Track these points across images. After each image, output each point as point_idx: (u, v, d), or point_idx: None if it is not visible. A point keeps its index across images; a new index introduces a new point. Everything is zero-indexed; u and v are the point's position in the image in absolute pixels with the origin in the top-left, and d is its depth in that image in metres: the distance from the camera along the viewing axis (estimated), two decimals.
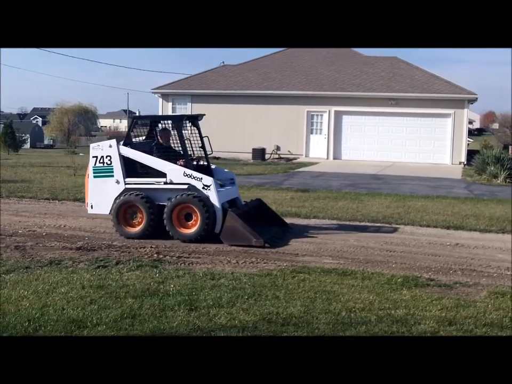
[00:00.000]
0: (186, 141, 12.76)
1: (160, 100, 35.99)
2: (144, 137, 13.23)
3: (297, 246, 11.94)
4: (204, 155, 13.38)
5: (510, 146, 45.31)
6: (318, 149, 33.60)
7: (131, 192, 12.32)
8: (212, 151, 13.45)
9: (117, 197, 12.45)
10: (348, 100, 33.02)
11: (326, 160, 32.66)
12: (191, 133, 13.37)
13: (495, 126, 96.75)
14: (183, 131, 12.87)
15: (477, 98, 32.93)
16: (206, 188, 12.09)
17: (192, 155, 13.11)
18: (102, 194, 12.61)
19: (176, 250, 11.30)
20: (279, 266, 10.29)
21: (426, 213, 15.98)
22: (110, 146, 12.54)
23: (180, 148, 12.68)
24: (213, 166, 13.42)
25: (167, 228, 12.11)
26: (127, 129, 13.12)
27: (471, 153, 32.41)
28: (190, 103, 35.35)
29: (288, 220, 14.57)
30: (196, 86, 35.68)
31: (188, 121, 13.34)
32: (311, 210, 15.81)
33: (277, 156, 33.57)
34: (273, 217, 13.53)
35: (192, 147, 13.23)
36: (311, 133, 33.88)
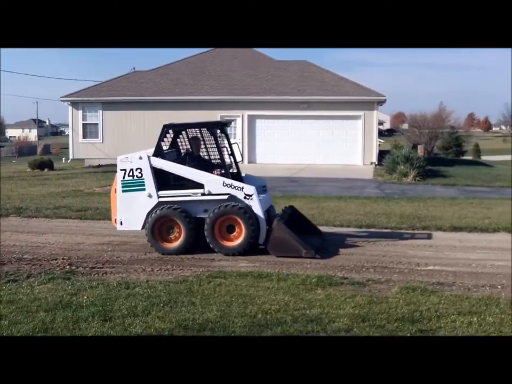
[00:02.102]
0: (223, 149, 12.13)
1: (70, 108, 35.21)
2: (167, 147, 12.32)
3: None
4: (234, 163, 12.68)
5: (418, 146, 46.65)
6: None
7: (166, 206, 11.65)
8: (242, 159, 12.66)
9: (150, 211, 11.79)
10: (261, 104, 33.24)
11: (241, 164, 32.67)
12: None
13: (405, 126, 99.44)
14: (218, 139, 12.16)
15: (385, 99, 33.77)
16: (248, 197, 11.54)
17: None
18: (133, 210, 11.85)
19: (89, 261, 11.07)
20: (195, 272, 10.25)
21: (339, 213, 16.26)
22: (140, 158, 11.80)
23: (217, 157, 12.10)
24: (243, 174, 12.77)
25: (208, 241, 11.54)
26: (158, 139, 12.08)
27: (382, 154, 33.22)
28: (101, 111, 34.75)
29: None
30: (107, 93, 35.12)
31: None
32: None
33: None
34: (308, 225, 13.03)
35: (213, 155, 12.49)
36: None
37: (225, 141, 12.52)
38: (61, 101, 35.67)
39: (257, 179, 12.93)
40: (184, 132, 12.44)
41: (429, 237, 13.49)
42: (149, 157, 11.77)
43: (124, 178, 11.86)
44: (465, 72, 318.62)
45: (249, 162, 33.03)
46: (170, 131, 12.29)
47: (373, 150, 33.21)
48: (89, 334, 7.16)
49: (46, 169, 33.67)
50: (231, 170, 12.32)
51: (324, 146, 33.19)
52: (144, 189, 11.75)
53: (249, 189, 11.57)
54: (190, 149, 12.39)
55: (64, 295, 8.82)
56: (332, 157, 33.09)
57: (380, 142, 44.52)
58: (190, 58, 38.53)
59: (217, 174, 11.78)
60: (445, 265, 10.86)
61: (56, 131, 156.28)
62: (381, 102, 33.95)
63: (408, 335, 7.20)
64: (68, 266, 10.67)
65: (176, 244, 11.66)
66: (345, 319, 7.70)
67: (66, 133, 71.53)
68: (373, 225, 14.53)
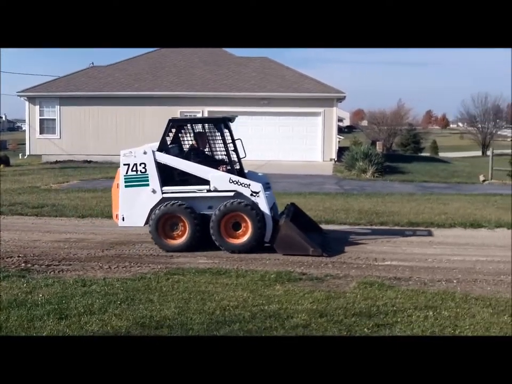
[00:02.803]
0: (229, 145, 11.86)
1: (27, 103, 34.65)
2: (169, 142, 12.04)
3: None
4: (236, 159, 12.32)
5: (377, 142, 47.17)
6: None
7: (170, 202, 11.43)
8: (245, 155, 12.33)
9: (154, 207, 11.55)
10: (221, 100, 33.14)
11: None
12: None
13: (364, 123, 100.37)
14: (225, 134, 11.91)
15: (345, 96, 33.99)
16: (254, 194, 11.37)
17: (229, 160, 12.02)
18: (136, 205, 11.61)
19: (45, 259, 10.89)
20: (153, 269, 10.17)
21: None
22: (145, 153, 11.51)
23: (223, 153, 11.89)
24: (246, 171, 12.51)
25: (214, 239, 11.35)
26: (163, 133, 11.81)
27: (342, 150, 33.48)
28: (59, 106, 34.26)
29: None
30: (64, 88, 34.64)
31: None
32: None
33: None
34: (309, 222, 12.90)
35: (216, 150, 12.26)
36: None
37: (229, 137, 12.23)
38: (18, 96, 35.07)
39: (260, 176, 12.78)
40: (188, 127, 12.27)
41: (388, 232, 13.61)
42: (153, 151, 11.55)
43: (126, 173, 11.60)
44: (423, 69, 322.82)
45: None
46: (175, 126, 12.10)
47: (333, 146, 33.41)
48: (44, 333, 7.03)
49: (2, 166, 33.06)
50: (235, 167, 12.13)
51: (284, 142, 33.27)
52: (147, 185, 11.54)
53: (256, 186, 11.45)
54: (196, 145, 12.19)
55: (19, 293, 8.64)
56: (292, 154, 33.18)
57: (339, 138, 44.87)
58: (150, 53, 38.23)
59: (223, 170, 11.67)
60: (402, 260, 10.98)
61: (12, 127, 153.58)
62: (340, 99, 34.17)
63: (366, 329, 7.26)
64: (23, 264, 10.48)
65: (180, 241, 11.49)
66: (303, 315, 7.72)
67: (23, 129, 70.32)
68: (332, 221, 14.61)
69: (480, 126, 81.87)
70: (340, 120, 75.94)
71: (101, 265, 10.50)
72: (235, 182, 11.40)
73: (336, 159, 32.74)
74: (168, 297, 8.49)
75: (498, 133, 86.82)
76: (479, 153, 72.72)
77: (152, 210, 11.51)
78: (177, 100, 33.23)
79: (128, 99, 33.42)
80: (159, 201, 11.50)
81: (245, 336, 6.89)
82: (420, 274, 10.02)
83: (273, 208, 12.13)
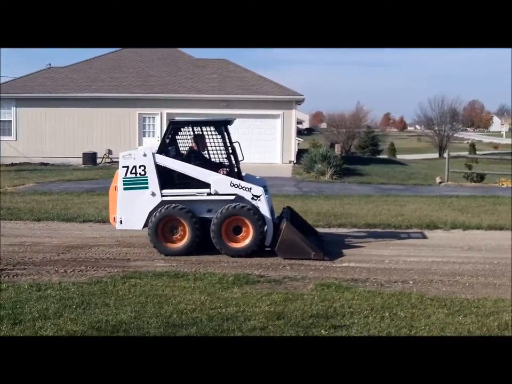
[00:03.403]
0: (230, 148, 11.67)
1: None
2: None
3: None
4: (235, 162, 12.07)
5: (336, 145, 47.49)
6: None
7: (170, 205, 11.23)
8: (243, 158, 12.08)
9: (153, 210, 11.34)
10: (180, 102, 32.98)
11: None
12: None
13: (323, 125, 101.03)
14: (226, 137, 11.74)
15: (303, 99, 34.16)
16: (255, 198, 11.27)
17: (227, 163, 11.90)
18: (134, 208, 11.40)
19: None
20: (110, 273, 10.06)
21: None
22: (144, 155, 11.32)
23: (223, 155, 11.75)
24: (243, 174, 12.23)
25: (214, 242, 11.21)
26: (163, 135, 11.66)
27: (301, 152, 33.60)
28: (15, 108, 33.69)
29: None
30: (21, 89, 34.08)
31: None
32: None
33: (109, 160, 32.88)
34: (305, 225, 12.67)
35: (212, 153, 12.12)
36: (144, 136, 33.51)
37: (227, 140, 12.02)
38: None
39: (258, 179, 12.65)
40: (188, 129, 12.10)
41: (346, 234, 13.70)
42: (153, 154, 11.40)
43: (125, 175, 11.42)
44: (382, 72, 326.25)
45: None
46: (175, 128, 11.94)
47: (292, 148, 33.53)
48: None
49: None
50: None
51: (243, 144, 33.01)
52: (147, 187, 11.37)
53: (258, 189, 11.38)
54: (195, 147, 12.04)
55: None
56: (251, 156, 32.98)
57: (298, 141, 45.07)
58: (108, 54, 37.89)
59: (223, 174, 11.55)
60: (359, 261, 11.06)
61: None
62: (299, 102, 34.32)
63: (323, 331, 7.29)
64: None
65: (180, 244, 11.35)
66: (261, 317, 7.73)
67: None
68: None
69: (437, 128, 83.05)
70: (299, 122, 76.30)
71: (56, 269, 10.34)
72: (236, 186, 11.33)
73: (295, 161, 32.86)
74: (124, 301, 8.42)
75: (455, 135, 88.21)
76: (436, 155, 73.76)
77: (151, 213, 11.37)
78: (135, 102, 33.01)
79: (85, 101, 33.05)
80: (158, 204, 11.36)
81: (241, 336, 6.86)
82: (377, 276, 10.11)
83: (271, 211, 12.05)
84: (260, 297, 8.63)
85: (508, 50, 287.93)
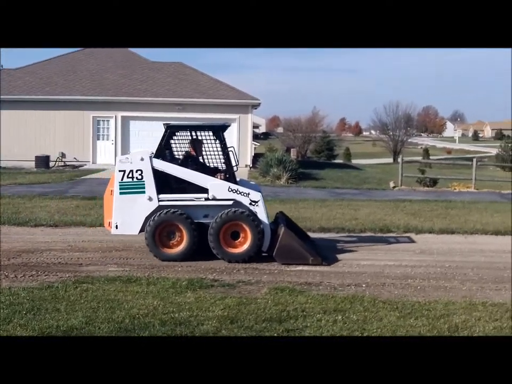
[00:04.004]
0: (230, 153, 11.48)
1: None
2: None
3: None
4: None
5: (292, 149, 47.71)
6: (105, 155, 32.97)
7: (167, 210, 11.06)
8: (238, 163, 11.84)
9: (149, 215, 11.15)
10: (135, 105, 32.79)
11: (114, 167, 32.07)
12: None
13: (280, 130, 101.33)
14: (224, 142, 11.54)
15: (260, 103, 34.24)
16: (253, 203, 11.20)
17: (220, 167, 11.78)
18: (131, 213, 11.20)
19: None
20: (61, 278, 9.90)
21: None
22: (142, 159, 11.13)
23: (222, 160, 11.56)
24: (237, 179, 12.01)
25: (212, 248, 11.07)
26: (160, 140, 11.56)
27: (257, 156, 33.66)
28: None
29: (73, 229, 14.16)
30: None
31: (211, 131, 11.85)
32: (97, 218, 15.40)
33: (62, 163, 32.45)
34: (299, 231, 12.48)
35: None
36: (98, 139, 33.18)
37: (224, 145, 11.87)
38: None
39: (251, 184, 12.55)
40: (186, 133, 11.95)
41: None
42: (151, 158, 11.26)
43: (122, 179, 11.25)
44: (338, 77, 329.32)
45: None
46: (173, 132, 11.77)
47: (248, 152, 33.58)
48: None
49: None
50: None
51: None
52: (144, 192, 11.21)
53: (256, 195, 11.33)
54: (193, 152, 11.89)
55: None
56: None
57: (255, 145, 45.14)
58: (62, 56, 37.40)
59: (221, 179, 11.45)
60: (313, 265, 11.09)
61: None
62: (255, 106, 34.39)
63: (276, 335, 7.29)
64: None
65: (177, 249, 11.21)
66: (214, 321, 7.70)
67: None
68: None
69: (391, 133, 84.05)
70: (256, 126, 76.46)
71: (6, 274, 10.13)
72: (234, 191, 11.26)
73: (251, 165, 32.91)
74: (76, 306, 8.29)
75: (409, 140, 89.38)
76: (391, 160, 74.65)
77: (147, 218, 11.24)
78: (89, 105, 32.66)
79: (38, 103, 32.54)
80: (155, 209, 11.23)
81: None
82: (330, 279, 10.18)
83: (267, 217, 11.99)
84: (213, 302, 8.59)
85: (459, 56, 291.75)
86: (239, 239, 11.22)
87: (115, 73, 35.66)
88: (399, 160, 28.96)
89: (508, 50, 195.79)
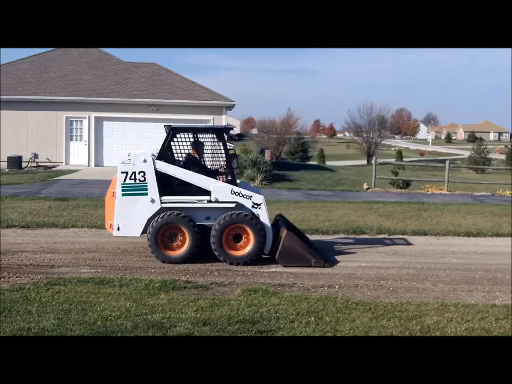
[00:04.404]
0: (232, 155, 11.44)
1: None
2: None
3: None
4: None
5: (266, 151, 47.70)
6: (78, 156, 32.66)
7: (169, 212, 11.01)
8: (238, 166, 11.80)
9: (151, 217, 11.09)
10: (109, 106, 32.53)
11: (88, 167, 31.89)
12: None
13: (254, 131, 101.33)
14: (226, 144, 11.65)
15: (234, 104, 34.18)
16: (256, 206, 11.25)
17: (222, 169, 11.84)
18: (132, 215, 11.15)
19: None
20: (33, 280, 9.81)
21: None
22: (145, 161, 11.08)
23: (224, 163, 11.61)
24: (238, 181, 12.11)
25: (214, 250, 11.06)
26: (163, 142, 11.53)
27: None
28: None
29: (45, 231, 14.02)
30: None
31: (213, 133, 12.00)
32: (70, 219, 15.29)
33: (34, 164, 32.09)
34: (298, 233, 12.46)
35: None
36: (71, 140, 32.85)
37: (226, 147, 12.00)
38: None
39: (251, 186, 12.51)
40: (189, 135, 11.91)
41: None
42: (154, 160, 11.22)
43: (124, 181, 11.19)
44: (313, 79, 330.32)
45: (96, 165, 32.27)
46: (176, 134, 11.70)
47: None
48: None
49: None
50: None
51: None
52: (146, 194, 11.18)
53: (258, 198, 11.39)
54: (194, 154, 11.88)
55: None
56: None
57: (229, 146, 45.05)
58: (34, 56, 37.00)
59: (222, 181, 11.46)
60: (286, 266, 11.11)
61: None
62: (230, 107, 34.32)
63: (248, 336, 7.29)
64: None
65: (180, 252, 11.18)
66: (187, 323, 7.68)
67: None
68: None
69: (365, 135, 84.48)
70: (230, 128, 76.28)
71: None
72: (237, 193, 11.30)
73: None
74: (47, 308, 8.23)
75: (383, 142, 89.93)
76: (365, 162, 75.06)
77: (149, 220, 11.20)
78: (62, 105, 32.33)
79: (11, 103, 32.12)
80: (157, 211, 11.20)
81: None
82: (304, 281, 10.20)
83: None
84: (186, 303, 8.58)
85: (437, 59, 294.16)
86: (241, 242, 11.25)
87: (88, 73, 35.37)
88: (373, 162, 29.12)
89: (485, 51, 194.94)
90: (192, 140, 11.98)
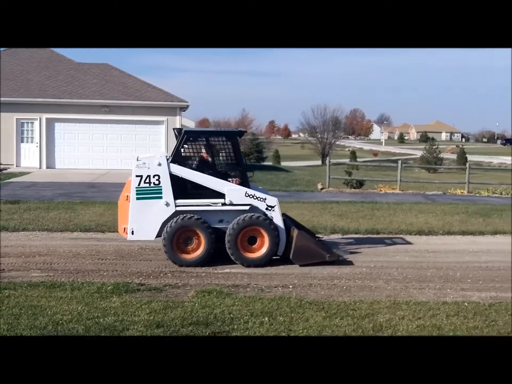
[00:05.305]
0: (244, 158, 11.27)
1: None
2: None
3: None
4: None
5: None
6: (30, 158, 32.10)
7: (184, 215, 10.88)
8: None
9: (166, 220, 10.91)
10: (60, 107, 32.04)
11: (39, 170, 31.36)
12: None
13: None
14: (239, 147, 11.70)
15: (188, 105, 34.06)
16: (270, 208, 11.24)
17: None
18: (147, 218, 10.99)
19: None
20: None
21: None
22: (159, 164, 10.96)
23: (236, 166, 11.60)
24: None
25: (230, 253, 10.99)
26: (176, 145, 11.43)
27: None
28: None
29: None
30: None
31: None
32: (21, 223, 15.00)
33: None
34: (306, 230, 12.46)
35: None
36: (22, 142, 32.28)
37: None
38: None
39: (260, 189, 12.52)
40: (202, 139, 11.89)
41: None
42: (168, 163, 11.11)
43: (139, 185, 11.08)
44: (267, 80, 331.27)
45: (47, 167, 31.77)
46: (190, 138, 11.64)
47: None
48: None
49: None
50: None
51: (127, 151, 32.69)
52: (161, 197, 11.08)
53: (272, 200, 11.43)
54: (207, 157, 11.79)
55: None
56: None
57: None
58: None
59: (235, 183, 11.42)
60: (241, 267, 11.11)
61: None
62: (183, 108, 34.18)
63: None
64: None
65: (195, 255, 11.12)
66: (140, 326, 7.61)
67: None
68: None
69: (319, 136, 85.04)
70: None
71: None
72: (251, 196, 11.33)
73: None
74: None
75: (337, 143, 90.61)
76: (319, 162, 75.51)
77: (164, 223, 11.10)
78: (12, 106, 31.72)
79: None
80: (172, 215, 11.11)
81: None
82: (258, 281, 10.21)
83: None
84: (139, 306, 8.50)
85: (389, 60, 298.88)
86: (256, 244, 11.28)
87: (39, 74, 34.81)
88: (327, 162, 29.31)
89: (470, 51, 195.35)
90: (205, 143, 11.95)
